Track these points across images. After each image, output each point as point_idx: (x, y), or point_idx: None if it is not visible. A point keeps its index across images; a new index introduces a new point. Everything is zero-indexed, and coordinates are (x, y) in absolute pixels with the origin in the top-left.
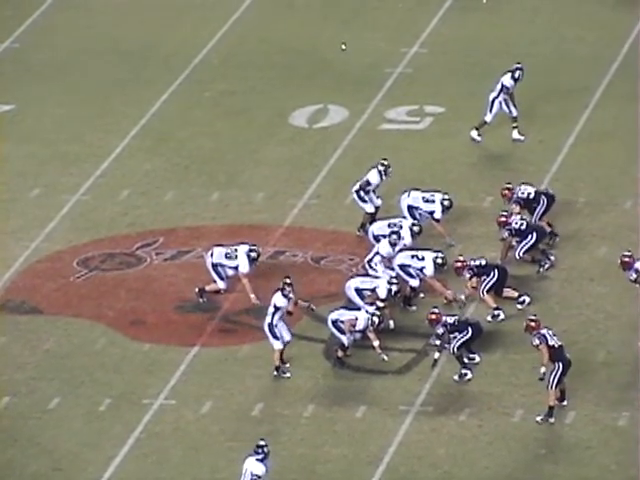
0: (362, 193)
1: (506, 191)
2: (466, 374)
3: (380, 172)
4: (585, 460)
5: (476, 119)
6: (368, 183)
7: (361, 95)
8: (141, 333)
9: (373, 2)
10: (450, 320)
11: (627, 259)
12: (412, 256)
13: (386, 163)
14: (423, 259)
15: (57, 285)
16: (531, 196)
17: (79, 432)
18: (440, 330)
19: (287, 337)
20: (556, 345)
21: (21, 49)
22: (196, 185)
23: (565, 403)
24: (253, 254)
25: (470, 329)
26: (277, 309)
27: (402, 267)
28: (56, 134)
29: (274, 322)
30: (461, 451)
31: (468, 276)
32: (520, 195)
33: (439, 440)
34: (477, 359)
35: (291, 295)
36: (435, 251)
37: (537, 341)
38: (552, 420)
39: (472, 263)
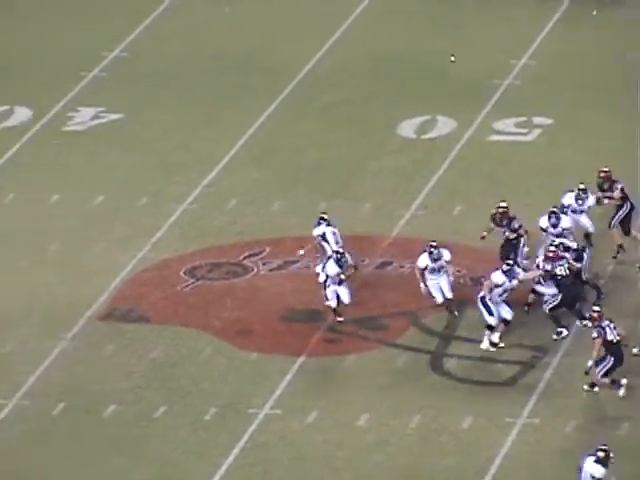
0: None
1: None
2: (561, 332)
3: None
4: None
5: (584, 131)
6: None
7: (470, 106)
8: (247, 343)
9: (483, 14)
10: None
11: None
12: None
13: (582, 187)
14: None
15: (164, 294)
16: None
17: (185, 441)
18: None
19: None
20: (614, 340)
21: (130, 58)
22: (303, 195)
23: (623, 394)
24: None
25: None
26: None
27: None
28: (164, 143)
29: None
30: (567, 463)
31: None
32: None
33: (545, 452)
34: (564, 333)
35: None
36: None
37: (595, 334)
38: (596, 389)
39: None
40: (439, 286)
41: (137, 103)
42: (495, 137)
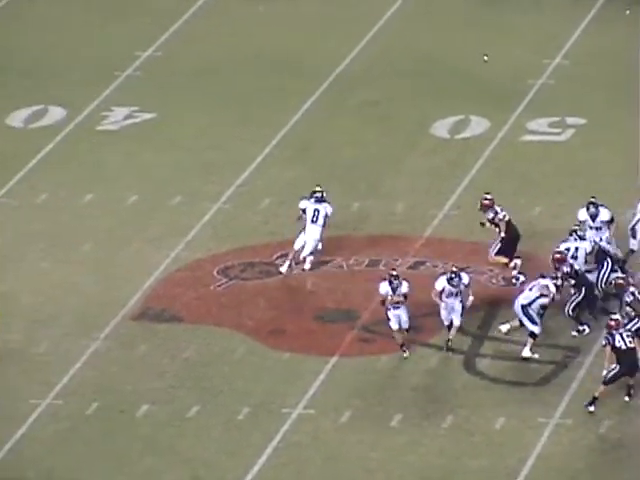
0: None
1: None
2: (584, 330)
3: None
4: None
5: (618, 130)
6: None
7: (503, 106)
8: (280, 342)
9: (516, 13)
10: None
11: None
12: None
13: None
14: None
15: (197, 294)
16: None
17: (218, 441)
18: (566, 269)
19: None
20: (622, 347)
21: (163, 57)
22: (337, 195)
23: (628, 399)
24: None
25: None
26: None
27: None
28: (198, 142)
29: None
30: (601, 464)
31: (566, 270)
32: None
33: (578, 453)
34: (587, 330)
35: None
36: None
37: (604, 341)
38: (591, 409)
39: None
40: (451, 307)
41: (170, 103)
42: (528, 137)
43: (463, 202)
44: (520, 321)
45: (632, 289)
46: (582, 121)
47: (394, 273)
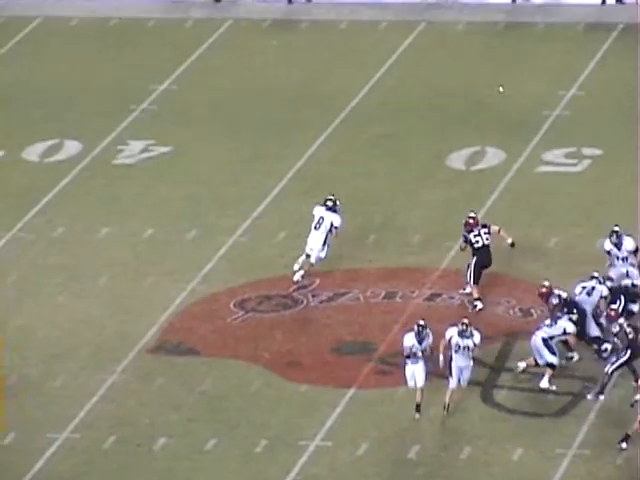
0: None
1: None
2: (572, 357)
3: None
4: None
5: (634, 161)
6: None
7: (519, 137)
8: (297, 374)
9: (530, 44)
10: (563, 295)
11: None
12: None
13: (616, 229)
14: None
15: (214, 327)
16: None
17: (235, 473)
18: (555, 300)
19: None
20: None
21: (179, 91)
22: (353, 227)
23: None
24: None
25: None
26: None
27: None
28: (213, 176)
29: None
30: None
31: (555, 302)
32: None
33: None
34: (575, 357)
35: None
36: None
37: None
38: (624, 446)
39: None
40: (460, 370)
41: (186, 136)
42: (544, 168)
43: None
44: (535, 360)
45: (621, 321)
46: (598, 152)
47: (422, 323)
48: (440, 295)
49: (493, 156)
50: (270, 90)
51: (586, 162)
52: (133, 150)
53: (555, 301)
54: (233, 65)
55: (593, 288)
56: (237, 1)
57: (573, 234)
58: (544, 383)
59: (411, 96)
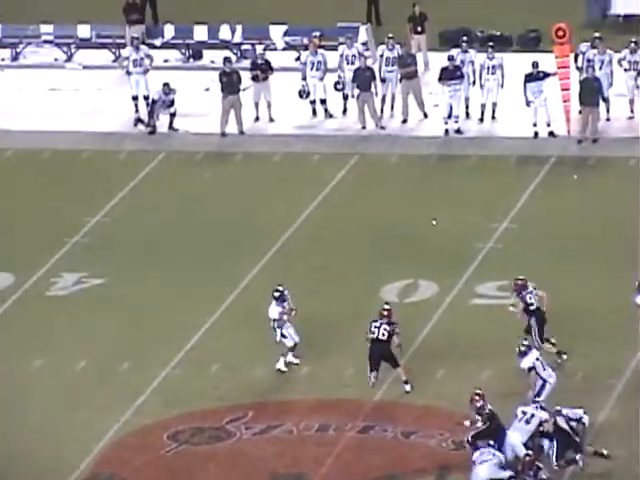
0: None
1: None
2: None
3: None
4: None
5: (566, 293)
6: None
7: (451, 270)
8: None
9: (463, 177)
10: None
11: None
12: None
13: None
14: None
15: (147, 458)
16: None
17: None
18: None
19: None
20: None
21: (112, 223)
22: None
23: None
24: None
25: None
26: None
27: None
28: (147, 307)
29: None
30: None
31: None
32: None
33: None
34: (580, 463)
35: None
36: None
37: None
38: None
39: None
40: None
41: (118, 268)
42: (477, 300)
43: (412, 366)
44: None
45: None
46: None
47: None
48: (373, 427)
49: (426, 289)
50: (203, 222)
51: None
52: (66, 282)
53: (529, 297)
54: (166, 197)
55: (533, 415)
56: (171, 134)
57: (507, 367)
58: None
59: (344, 229)
